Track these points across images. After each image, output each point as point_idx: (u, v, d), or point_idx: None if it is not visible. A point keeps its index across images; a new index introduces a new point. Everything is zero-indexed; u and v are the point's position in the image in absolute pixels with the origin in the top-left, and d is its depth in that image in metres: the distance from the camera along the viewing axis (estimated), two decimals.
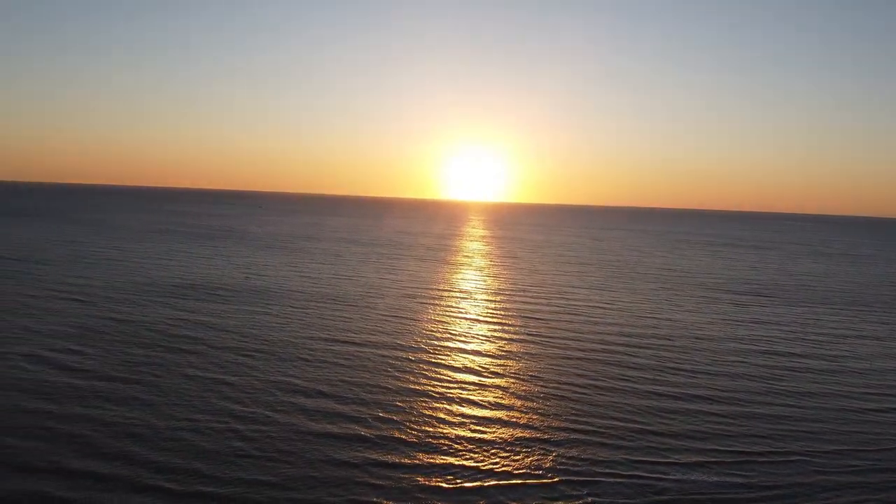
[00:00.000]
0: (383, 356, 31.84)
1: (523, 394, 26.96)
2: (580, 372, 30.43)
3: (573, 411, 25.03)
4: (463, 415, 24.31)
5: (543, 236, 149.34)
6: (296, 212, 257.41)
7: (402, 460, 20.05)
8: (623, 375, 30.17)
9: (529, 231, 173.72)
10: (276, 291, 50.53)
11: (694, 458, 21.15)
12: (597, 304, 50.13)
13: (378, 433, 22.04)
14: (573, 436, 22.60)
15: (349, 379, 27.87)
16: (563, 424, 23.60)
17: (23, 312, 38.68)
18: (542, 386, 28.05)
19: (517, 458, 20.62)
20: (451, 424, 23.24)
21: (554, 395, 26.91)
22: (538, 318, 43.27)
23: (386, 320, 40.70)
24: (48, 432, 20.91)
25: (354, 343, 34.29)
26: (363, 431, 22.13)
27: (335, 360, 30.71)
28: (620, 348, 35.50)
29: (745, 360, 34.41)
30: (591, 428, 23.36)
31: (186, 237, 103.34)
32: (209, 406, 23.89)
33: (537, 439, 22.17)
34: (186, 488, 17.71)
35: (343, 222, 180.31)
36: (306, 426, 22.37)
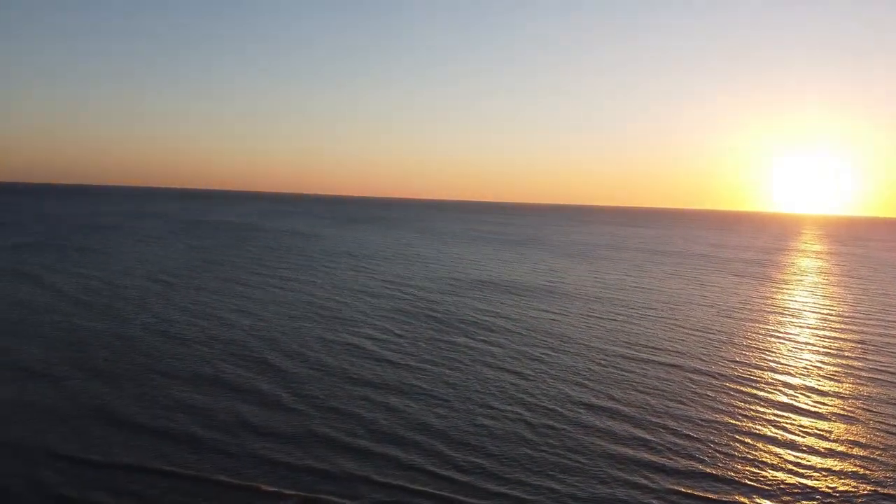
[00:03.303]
0: (687, 378, 28.99)
1: (862, 440, 22.00)
2: None
3: None
4: (779, 455, 20.65)
5: None
6: (596, 222, 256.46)
7: (708, 495, 17.58)
8: None
9: (881, 248, 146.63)
10: (577, 297, 50.04)
11: None
12: None
13: (677, 462, 19.80)
14: None
15: (645, 398, 25.83)
16: None
17: (354, 303, 44.32)
18: (887, 433, 22.63)
19: None
20: (766, 464, 19.87)
21: None
22: (887, 351, 35.56)
23: (692, 339, 37.27)
24: (355, 412, 23.07)
25: (654, 361, 31.90)
26: (658, 458, 20.08)
27: (630, 376, 28.86)
28: None
29: None
30: None
31: (493, 243, 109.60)
32: (499, 404, 24.09)
33: (882, 495, 17.71)
34: (469, 480, 17.82)
35: (647, 233, 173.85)
36: (596, 442, 21.10)
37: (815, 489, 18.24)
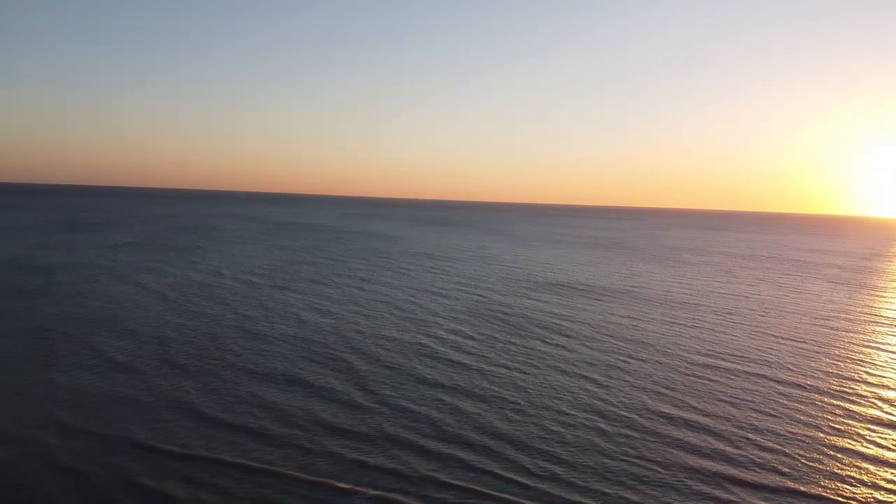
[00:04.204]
0: (774, 389, 27.52)
1: None
2: None
3: None
4: (872, 473, 19.24)
5: None
6: (676, 226, 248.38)
7: None
8: None
9: None
10: (660, 303, 48.50)
11: None
12: None
13: (762, 477, 18.79)
14: None
15: (728, 409, 24.68)
16: None
17: (429, 305, 44.59)
18: None
19: None
20: (857, 482, 18.57)
21: None
22: None
23: (782, 348, 35.38)
24: (427, 413, 23.12)
25: (741, 370, 30.48)
26: (742, 471, 19.13)
27: (714, 385, 27.65)
28: None
29: None
30: None
31: (573, 245, 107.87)
32: (573, 410, 23.59)
33: None
34: (541, 486, 17.51)
35: (733, 237, 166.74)
36: (675, 452, 20.31)
37: None
